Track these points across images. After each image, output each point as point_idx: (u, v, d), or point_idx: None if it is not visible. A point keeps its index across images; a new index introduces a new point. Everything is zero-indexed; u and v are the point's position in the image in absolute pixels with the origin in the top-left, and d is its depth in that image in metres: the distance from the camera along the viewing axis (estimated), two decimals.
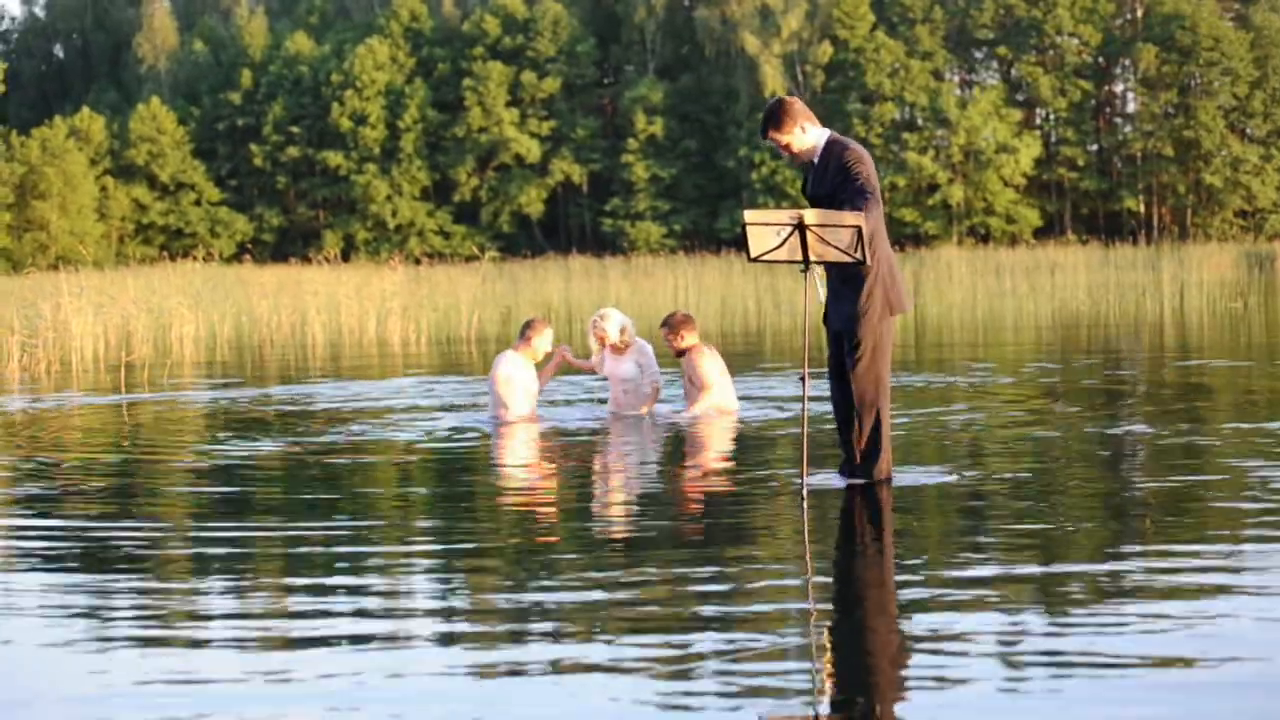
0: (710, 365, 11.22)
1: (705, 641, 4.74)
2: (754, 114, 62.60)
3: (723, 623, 4.97)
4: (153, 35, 74.79)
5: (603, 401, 11.98)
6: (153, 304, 24.29)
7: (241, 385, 15.54)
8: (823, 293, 7.73)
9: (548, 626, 4.98)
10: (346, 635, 4.93)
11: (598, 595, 5.39)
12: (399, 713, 4.16)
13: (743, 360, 16.13)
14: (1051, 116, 68.04)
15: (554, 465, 9.38)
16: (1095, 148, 67.75)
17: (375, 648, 4.77)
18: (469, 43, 69.53)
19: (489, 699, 4.26)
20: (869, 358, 7.57)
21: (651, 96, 66.60)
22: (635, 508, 7.52)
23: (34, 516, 7.51)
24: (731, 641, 4.73)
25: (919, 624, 4.93)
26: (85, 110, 69.18)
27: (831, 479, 7.87)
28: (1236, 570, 5.59)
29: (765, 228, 7.30)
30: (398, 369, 17.63)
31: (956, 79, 70.10)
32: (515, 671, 4.49)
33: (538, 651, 4.69)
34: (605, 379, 11.76)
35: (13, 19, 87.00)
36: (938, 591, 5.36)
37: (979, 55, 69.68)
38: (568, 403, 12.91)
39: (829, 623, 5.08)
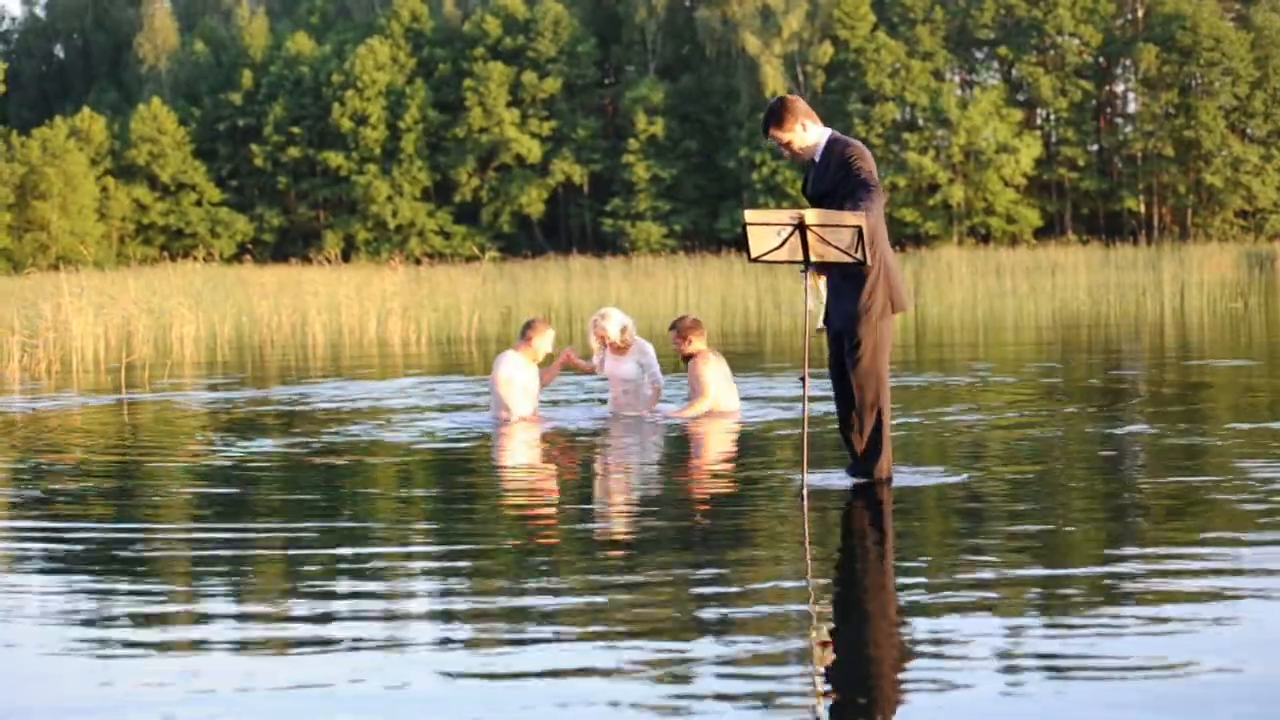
0: (711, 372, 11.20)
1: (705, 645, 4.73)
2: (755, 114, 62.58)
3: (722, 626, 4.96)
4: (153, 35, 74.79)
5: (603, 402, 11.97)
6: (153, 304, 24.29)
7: (242, 385, 15.53)
8: (822, 295, 7.72)
9: (548, 630, 4.97)
10: (347, 639, 4.92)
11: (598, 599, 5.38)
12: (400, 717, 4.15)
13: (743, 360, 16.12)
14: (1052, 117, 68.03)
15: (554, 466, 9.38)
16: (1096, 148, 67.75)
17: (375, 652, 4.76)
18: (470, 43, 69.54)
19: (489, 703, 4.25)
20: (869, 356, 7.57)
21: (652, 97, 66.60)
22: (635, 509, 7.51)
23: (34, 518, 7.50)
24: (732, 645, 4.72)
25: (919, 627, 4.92)
26: (86, 110, 69.19)
27: (831, 479, 7.87)
28: (1238, 573, 5.58)
29: (766, 228, 7.30)
30: (398, 369, 17.62)
31: (957, 79, 70.11)
32: (515, 675, 4.48)
33: (538, 656, 4.68)
34: (606, 379, 11.75)
35: (13, 19, 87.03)
36: (938, 595, 5.35)
37: (979, 55, 69.67)
38: (568, 403, 12.90)
39: (829, 626, 5.07)
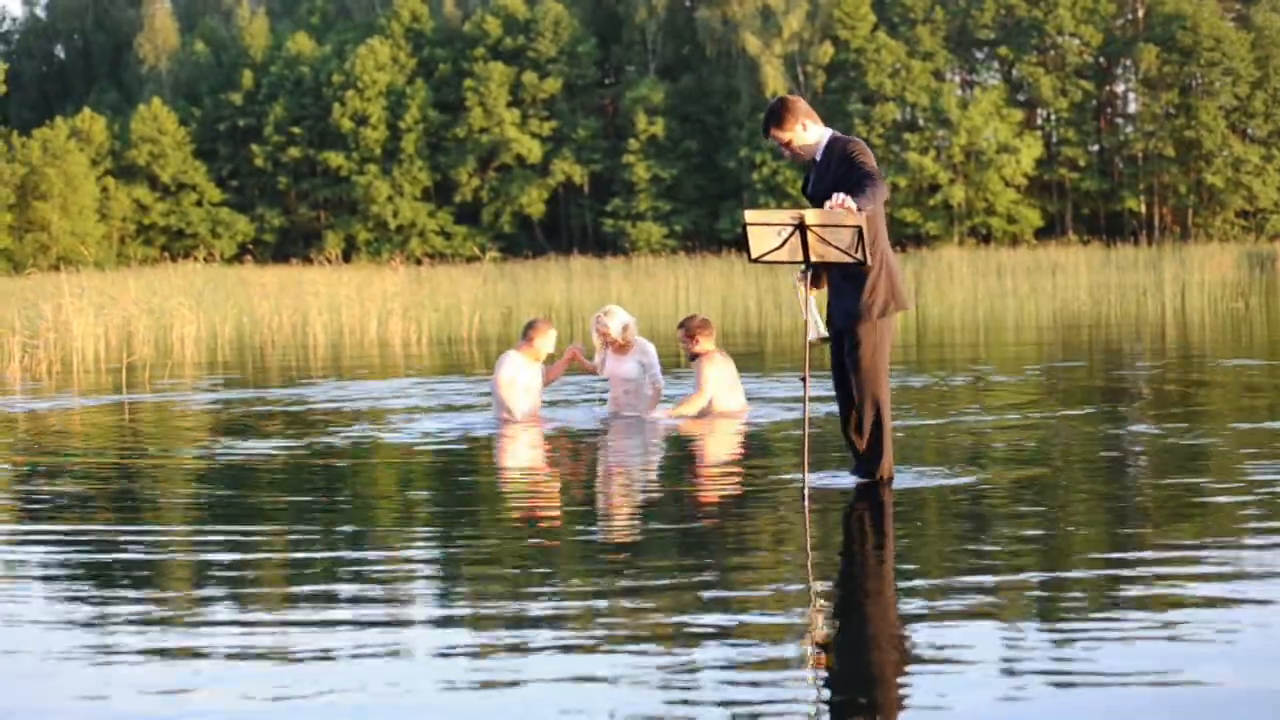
0: (712, 372, 11.18)
1: (706, 651, 4.71)
2: (755, 114, 62.57)
3: (724, 631, 4.94)
4: (154, 36, 74.78)
5: (603, 402, 11.96)
6: (154, 305, 24.30)
7: (242, 386, 15.53)
8: (816, 311, 7.73)
9: (549, 635, 4.95)
10: (347, 645, 4.91)
11: (599, 603, 5.37)
12: None
13: (744, 361, 16.11)
14: (1052, 117, 68.01)
15: (555, 468, 9.37)
16: (1096, 148, 67.74)
17: (376, 658, 4.74)
18: (470, 43, 69.54)
19: (490, 710, 4.24)
20: (870, 356, 7.56)
21: (652, 97, 66.60)
22: (636, 511, 7.50)
23: (34, 521, 7.48)
24: (732, 650, 4.71)
25: (920, 631, 4.91)
26: (86, 111, 69.19)
27: (832, 479, 7.87)
28: (1240, 577, 5.55)
29: (766, 228, 7.29)
30: (399, 370, 17.62)
31: (957, 79, 70.10)
32: (516, 682, 4.46)
33: (539, 661, 4.66)
34: (606, 379, 11.74)
35: (14, 19, 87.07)
36: (938, 599, 5.33)
37: (980, 55, 69.66)
38: (569, 403, 12.89)
39: (830, 630, 5.06)
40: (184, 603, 5.60)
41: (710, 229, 64.74)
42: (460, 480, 8.87)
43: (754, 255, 7.37)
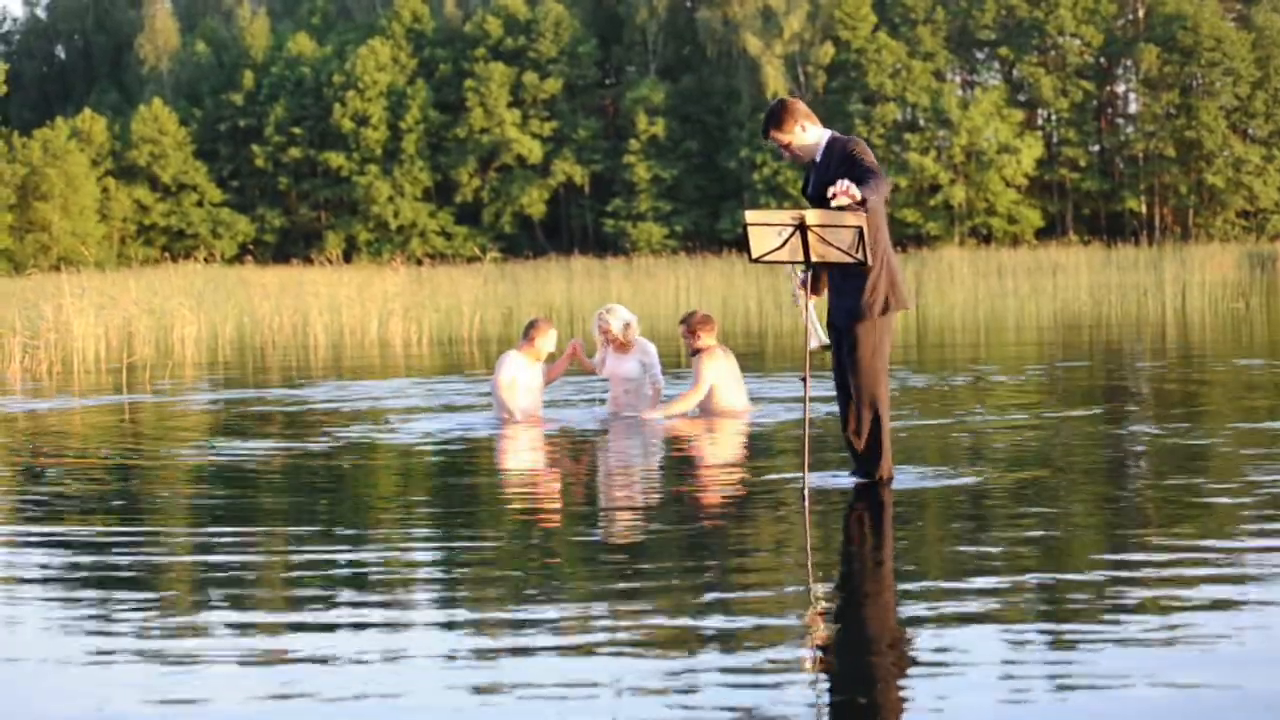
0: (710, 368, 11.15)
1: (706, 654, 4.71)
2: (755, 115, 62.57)
3: (724, 634, 4.93)
4: (154, 36, 74.80)
5: (603, 402, 11.95)
6: (154, 305, 24.30)
7: (243, 386, 15.52)
8: (816, 320, 7.74)
9: (549, 640, 4.94)
10: (347, 647, 4.90)
11: (599, 606, 5.36)
12: None
13: (744, 361, 16.09)
14: (1053, 117, 68.01)
15: (555, 469, 9.36)
16: (1097, 148, 67.74)
17: (376, 661, 4.73)
18: (471, 44, 69.55)
19: (491, 714, 4.24)
20: (869, 356, 7.56)
21: (653, 97, 66.60)
22: (636, 512, 7.49)
23: (34, 521, 7.47)
24: (733, 654, 4.70)
25: (920, 633, 4.90)
26: (87, 111, 69.21)
27: (831, 479, 7.87)
28: (1242, 580, 5.54)
29: (766, 228, 7.30)
30: (399, 370, 17.62)
31: (958, 80, 70.10)
32: (518, 686, 4.45)
33: (540, 667, 4.65)
34: (606, 379, 11.73)
35: (14, 20, 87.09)
36: (938, 602, 5.32)
37: (980, 56, 69.66)
38: (569, 403, 12.89)
39: (830, 633, 5.05)
40: (184, 605, 5.59)
41: (711, 229, 64.74)
42: (460, 481, 8.86)
43: (754, 255, 7.37)
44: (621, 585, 5.67)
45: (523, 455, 10.11)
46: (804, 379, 7.44)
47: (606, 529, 7.01)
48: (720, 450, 9.99)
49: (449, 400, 13.36)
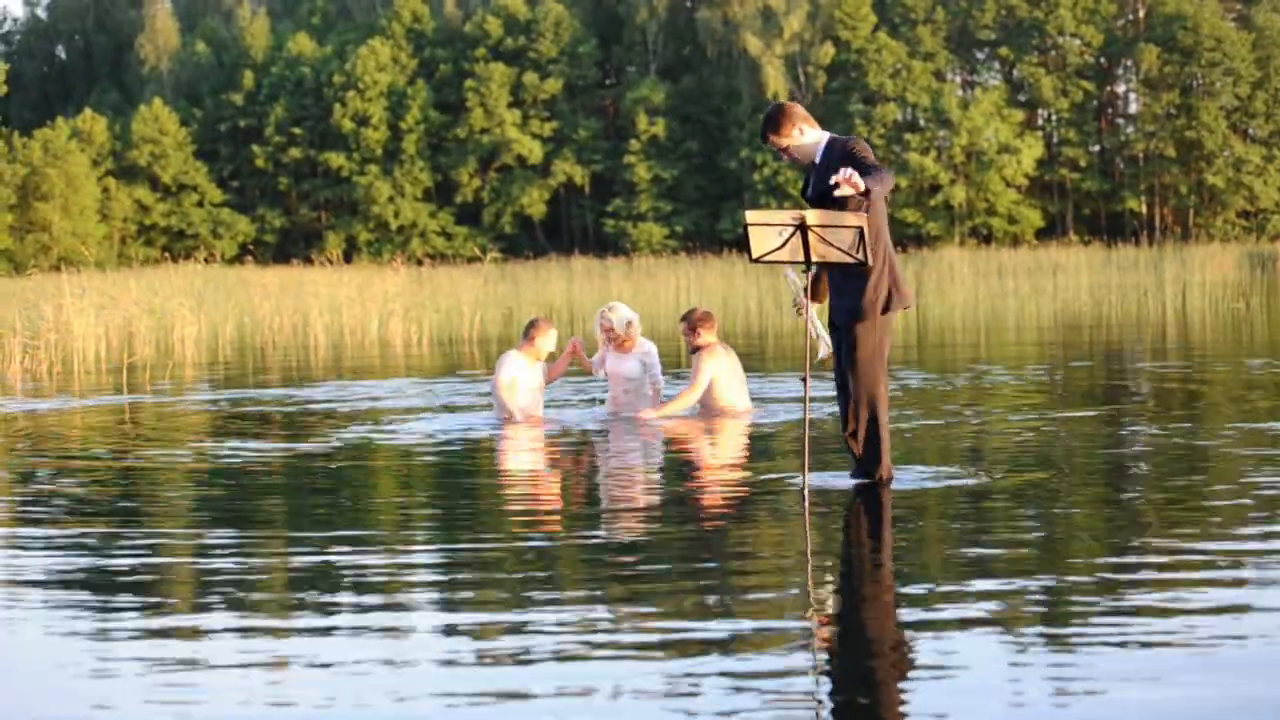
0: (709, 366, 11.12)
1: (705, 659, 4.69)
2: (756, 115, 62.56)
3: (724, 637, 4.92)
4: (155, 36, 74.80)
5: (602, 402, 11.95)
6: (155, 305, 24.30)
7: (243, 387, 15.52)
8: (823, 331, 7.74)
9: (550, 644, 4.92)
10: (347, 651, 4.89)
11: (598, 609, 5.35)
12: None
13: (744, 361, 16.07)
14: (1053, 117, 68.01)
15: (555, 470, 9.35)
16: (1097, 148, 67.75)
17: (377, 668, 4.71)
18: (471, 44, 69.55)
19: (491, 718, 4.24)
20: (869, 355, 7.56)
21: (653, 97, 66.61)
22: (636, 514, 7.47)
23: (33, 522, 7.46)
24: (733, 658, 4.69)
25: (919, 635, 4.89)
26: (87, 111, 69.21)
27: (831, 479, 7.86)
28: (1243, 584, 5.52)
29: (767, 228, 7.30)
30: (400, 370, 17.61)
31: (958, 80, 70.10)
32: (518, 694, 4.44)
33: (541, 672, 4.64)
34: (605, 380, 11.73)
35: (15, 20, 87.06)
36: (938, 605, 5.30)
37: (981, 56, 69.66)
38: (568, 403, 12.89)
39: (830, 634, 5.04)
40: (184, 609, 5.58)
41: (711, 229, 64.74)
42: (461, 482, 8.85)
43: (755, 255, 7.37)
44: (621, 589, 5.67)
45: (522, 456, 10.10)
46: (804, 379, 7.44)
47: (606, 531, 6.99)
48: (720, 451, 9.98)
49: (449, 401, 13.35)
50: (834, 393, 7.90)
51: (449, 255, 63.72)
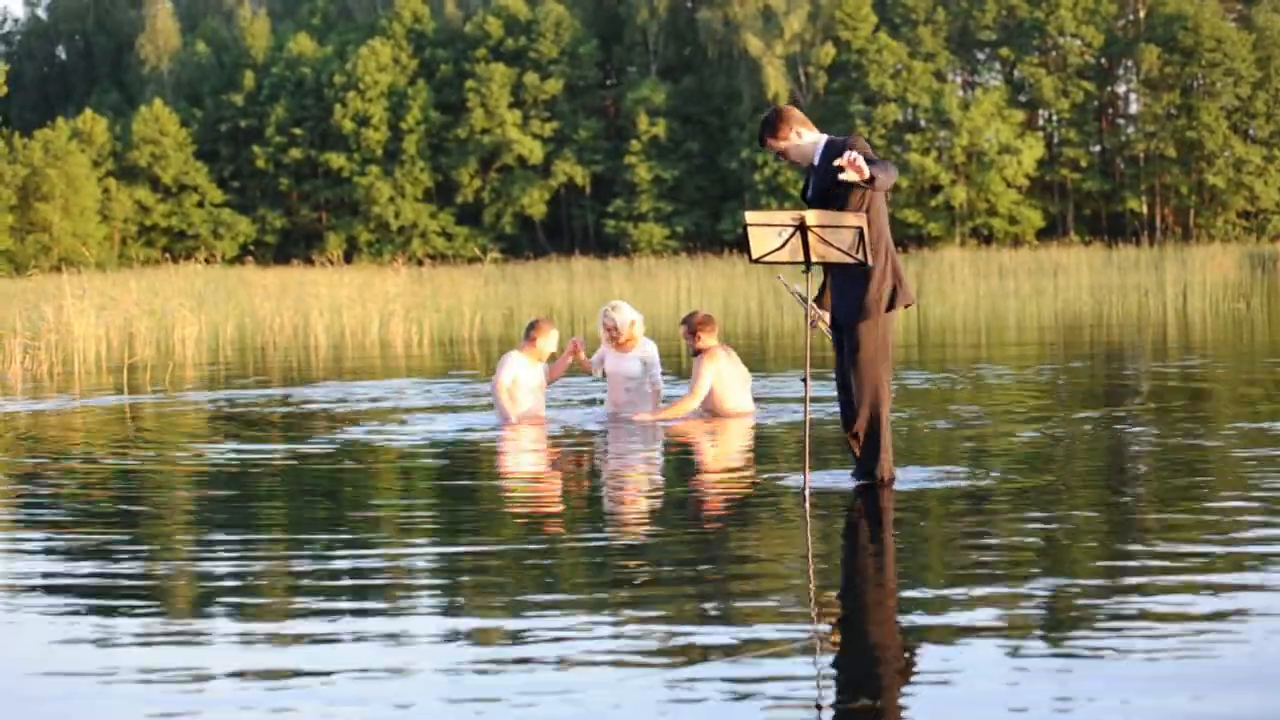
0: (708, 371, 11.10)
1: (706, 663, 4.68)
2: (756, 115, 62.58)
3: (725, 639, 4.91)
4: (155, 37, 74.83)
5: (603, 402, 11.93)
6: (155, 306, 24.31)
7: (244, 387, 15.51)
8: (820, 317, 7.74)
9: (550, 648, 4.91)
10: (347, 656, 4.88)
11: (599, 614, 5.34)
12: None
13: (745, 362, 16.07)
14: (1054, 117, 68.02)
15: (556, 471, 9.34)
16: (1098, 149, 67.76)
17: (378, 673, 4.70)
18: (471, 44, 69.58)
19: None
20: (873, 354, 7.55)
21: (654, 98, 66.62)
22: (637, 515, 7.47)
23: (33, 523, 7.44)
24: (733, 662, 4.69)
25: (922, 644, 4.88)
26: (88, 112, 69.25)
27: (832, 481, 7.86)
28: (1243, 588, 5.50)
29: (767, 229, 7.30)
30: (400, 370, 17.61)
31: (959, 80, 70.11)
32: (520, 699, 4.44)
33: (541, 676, 4.63)
34: (604, 380, 11.71)
35: (15, 20, 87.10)
36: (937, 608, 5.29)
37: (981, 56, 69.67)
38: (569, 404, 12.88)
39: (831, 635, 5.03)
40: (184, 613, 5.57)
41: (712, 230, 64.77)
42: (461, 483, 8.84)
43: (755, 256, 7.37)
44: (622, 593, 5.65)
45: (523, 457, 10.09)
46: (804, 378, 7.44)
47: (607, 533, 6.98)
48: (721, 452, 9.97)
49: (450, 401, 13.34)
50: (835, 393, 7.89)
51: (449, 256, 63.77)
